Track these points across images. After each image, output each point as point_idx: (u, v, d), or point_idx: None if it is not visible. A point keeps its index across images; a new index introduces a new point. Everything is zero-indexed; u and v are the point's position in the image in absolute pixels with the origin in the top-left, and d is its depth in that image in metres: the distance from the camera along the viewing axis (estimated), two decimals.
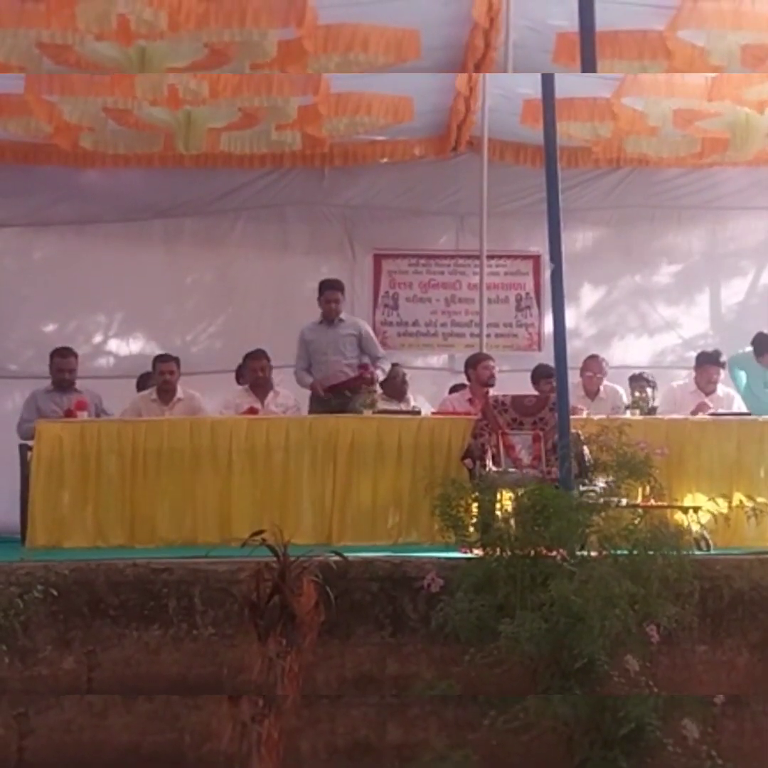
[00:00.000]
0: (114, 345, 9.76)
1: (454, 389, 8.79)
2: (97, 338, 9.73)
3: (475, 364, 8.19)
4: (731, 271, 10.13)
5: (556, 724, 4.61)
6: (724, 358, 8.23)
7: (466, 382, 8.40)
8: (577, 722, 4.60)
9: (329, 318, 8.33)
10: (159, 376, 8.05)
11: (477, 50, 7.70)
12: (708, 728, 4.44)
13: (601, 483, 5.55)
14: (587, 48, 5.50)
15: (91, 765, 5.10)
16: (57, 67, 7.45)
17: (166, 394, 8.01)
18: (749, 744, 5.08)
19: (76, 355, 8.24)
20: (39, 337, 9.28)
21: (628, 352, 9.89)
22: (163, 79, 7.79)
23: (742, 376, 8.43)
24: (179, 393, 8.05)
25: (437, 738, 4.75)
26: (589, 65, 5.44)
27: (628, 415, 7.58)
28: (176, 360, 8.15)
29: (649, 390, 8.24)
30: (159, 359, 8.22)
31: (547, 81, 5.92)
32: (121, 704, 5.22)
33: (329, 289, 8.39)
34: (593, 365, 8.37)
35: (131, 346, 9.72)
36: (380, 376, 8.27)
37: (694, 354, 8.61)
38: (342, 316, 8.39)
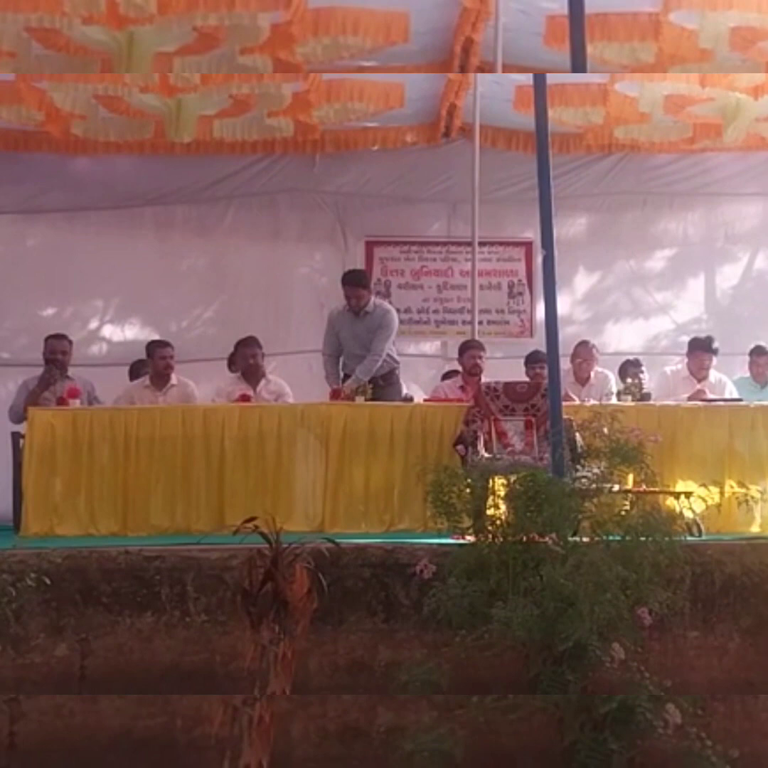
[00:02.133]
0: (106, 333, 9.74)
1: (447, 375, 8.80)
2: (89, 326, 9.70)
3: (462, 351, 8.22)
4: (724, 257, 10.14)
5: (546, 705, 4.62)
6: (716, 345, 8.21)
7: (459, 368, 8.42)
8: (567, 705, 4.62)
9: (353, 309, 8.11)
10: (160, 361, 8.07)
11: (466, 33, 7.70)
12: (698, 710, 4.45)
13: (593, 469, 5.54)
14: (576, 34, 5.49)
15: (82, 750, 5.10)
16: (46, 52, 7.42)
17: (161, 379, 8.02)
18: (739, 726, 5.11)
19: (70, 341, 8.25)
20: (31, 325, 9.24)
21: (621, 338, 9.90)
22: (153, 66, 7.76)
23: None
24: (173, 379, 8.06)
25: (427, 719, 4.76)
26: (578, 51, 5.42)
27: (615, 400, 7.58)
28: (171, 345, 8.17)
29: (641, 376, 8.25)
30: (156, 345, 8.24)
31: (539, 82, 5.91)
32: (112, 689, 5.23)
33: (346, 285, 8.11)
34: (583, 352, 8.35)
35: (123, 334, 9.70)
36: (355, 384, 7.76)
37: (687, 339, 8.60)
38: (368, 308, 8.09)
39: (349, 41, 7.45)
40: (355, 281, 8.16)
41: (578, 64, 5.46)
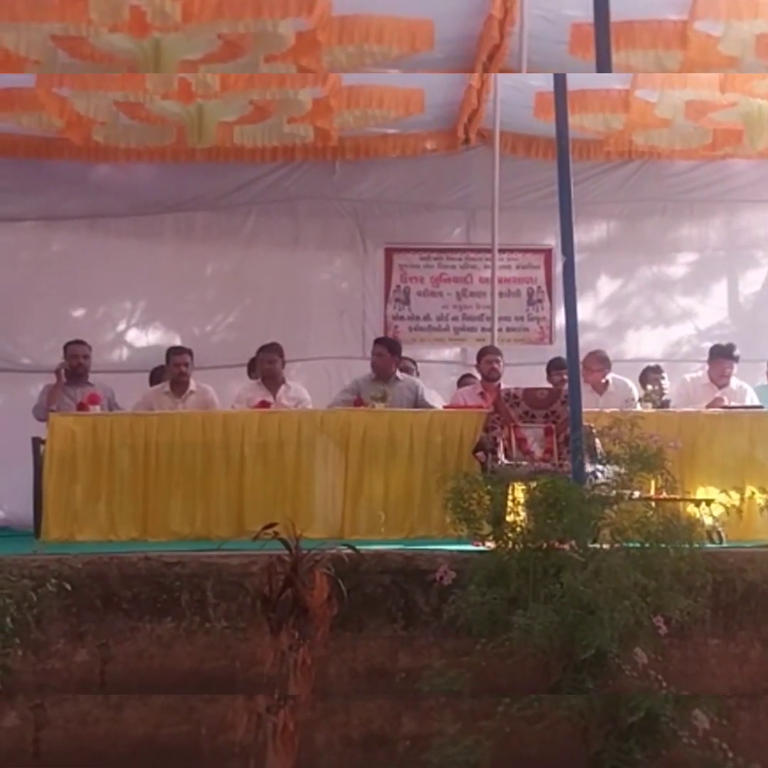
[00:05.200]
0: (127, 339, 9.79)
1: (463, 379, 8.80)
2: (110, 332, 9.75)
3: (480, 357, 8.22)
4: (746, 263, 10.12)
5: (570, 714, 4.60)
6: (737, 352, 8.17)
7: (477, 375, 8.41)
8: (591, 713, 4.60)
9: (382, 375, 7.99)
10: (174, 368, 8.05)
11: (491, 41, 7.69)
12: (723, 720, 4.42)
13: (613, 475, 5.52)
14: (602, 41, 5.47)
15: (106, 757, 5.10)
16: (71, 60, 7.46)
17: (179, 386, 8.02)
18: (764, 736, 5.07)
19: (89, 347, 8.30)
20: (52, 332, 9.28)
21: (642, 345, 9.89)
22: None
23: None
24: (192, 386, 8.06)
25: (452, 728, 4.75)
26: (603, 58, 5.41)
27: (639, 408, 7.55)
28: (189, 352, 8.17)
29: (662, 382, 8.22)
30: (173, 351, 8.23)
31: (559, 81, 5.90)
32: (136, 696, 5.22)
33: (375, 344, 8.28)
34: (592, 361, 8.20)
35: (144, 340, 9.75)
36: None
37: (709, 345, 8.54)
38: (398, 375, 8.04)
39: (374, 49, 7.45)
40: (393, 349, 8.15)
41: (604, 71, 5.44)
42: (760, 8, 7.30)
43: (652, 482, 5.83)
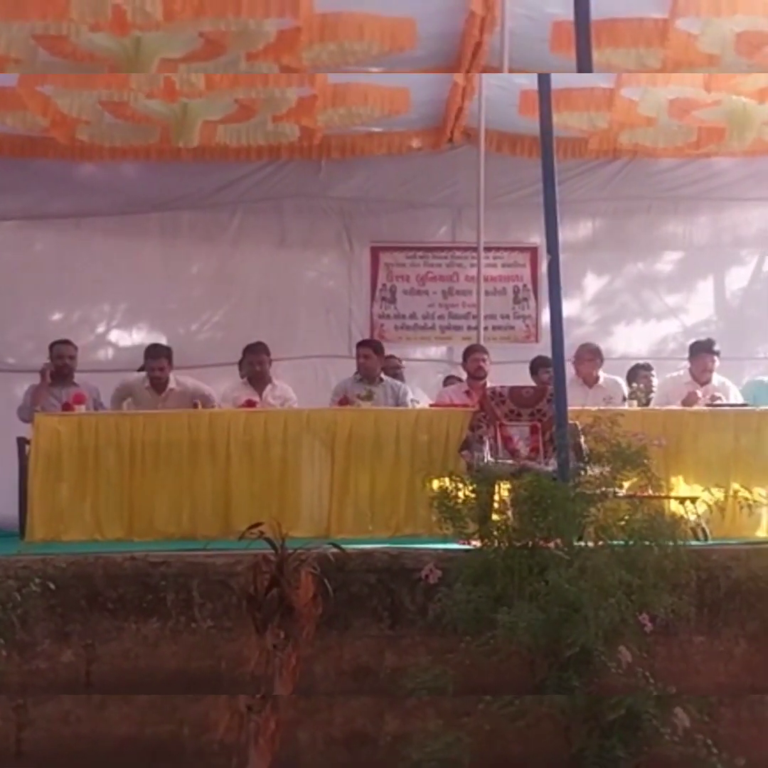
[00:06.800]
0: (112, 338, 9.77)
1: (448, 380, 8.80)
2: (95, 331, 9.73)
3: (466, 356, 8.23)
4: (732, 260, 10.13)
5: (552, 712, 4.61)
6: (717, 347, 8.16)
7: (462, 375, 8.42)
8: (574, 711, 4.61)
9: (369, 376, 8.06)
10: (150, 372, 7.97)
11: (473, 39, 7.70)
12: (705, 717, 4.44)
13: (597, 473, 5.53)
14: (582, 41, 5.48)
15: (89, 756, 5.11)
16: (53, 59, 7.44)
17: (159, 385, 7.98)
18: (747, 733, 5.09)
19: (75, 346, 8.26)
20: (37, 331, 9.27)
21: (629, 343, 9.90)
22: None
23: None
24: (172, 383, 8.00)
25: (434, 726, 4.76)
26: (584, 57, 5.42)
27: (625, 405, 7.56)
28: (167, 354, 8.06)
29: (652, 380, 8.23)
30: (149, 353, 8.10)
31: (544, 81, 5.91)
32: (118, 695, 5.22)
33: (360, 346, 8.38)
34: (584, 352, 8.25)
35: (129, 340, 9.71)
36: None
37: None
38: (383, 377, 8.13)
39: (356, 47, 7.46)
40: (378, 350, 8.28)
41: (584, 69, 5.45)
42: (740, 6, 7.33)
43: (637, 480, 5.83)
